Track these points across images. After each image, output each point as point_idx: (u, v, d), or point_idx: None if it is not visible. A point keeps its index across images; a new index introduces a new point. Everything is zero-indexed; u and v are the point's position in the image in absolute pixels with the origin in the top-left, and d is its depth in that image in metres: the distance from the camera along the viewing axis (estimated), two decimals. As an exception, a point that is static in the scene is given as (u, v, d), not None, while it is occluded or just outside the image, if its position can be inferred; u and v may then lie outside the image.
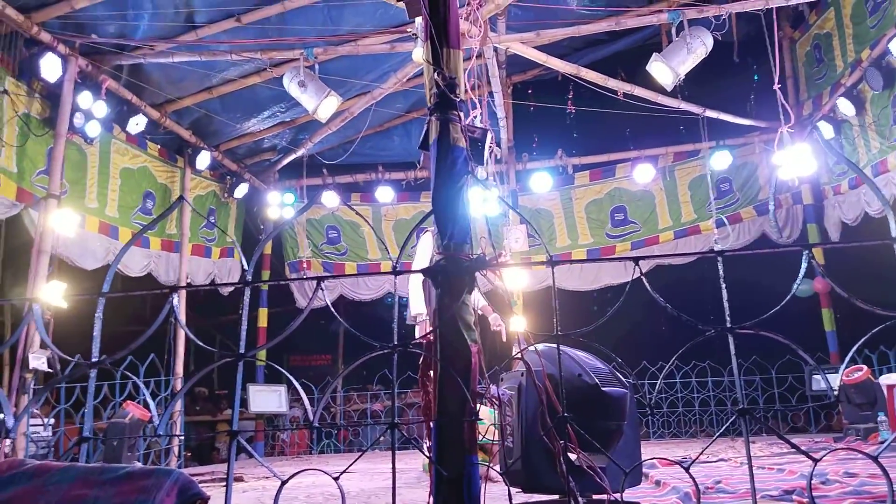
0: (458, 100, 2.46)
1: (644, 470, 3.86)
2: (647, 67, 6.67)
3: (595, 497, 2.36)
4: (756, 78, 8.40)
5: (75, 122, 6.35)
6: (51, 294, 5.11)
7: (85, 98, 6.40)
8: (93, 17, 6.20)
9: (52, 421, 6.24)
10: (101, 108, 6.58)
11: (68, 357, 2.43)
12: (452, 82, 2.44)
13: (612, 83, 7.77)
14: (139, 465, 5.69)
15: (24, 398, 5.60)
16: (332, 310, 2.37)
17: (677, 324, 2.04)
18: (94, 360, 2.15)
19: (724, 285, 2.01)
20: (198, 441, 9.20)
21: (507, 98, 8.84)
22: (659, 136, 9.24)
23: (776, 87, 6.65)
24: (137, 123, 7.25)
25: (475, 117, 5.90)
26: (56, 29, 6.11)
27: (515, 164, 9.57)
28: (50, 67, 6.00)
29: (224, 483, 5.03)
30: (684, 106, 8.22)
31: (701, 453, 2.15)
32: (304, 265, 10.10)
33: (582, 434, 2.14)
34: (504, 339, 5.44)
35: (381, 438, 8.69)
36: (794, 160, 7.77)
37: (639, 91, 7.81)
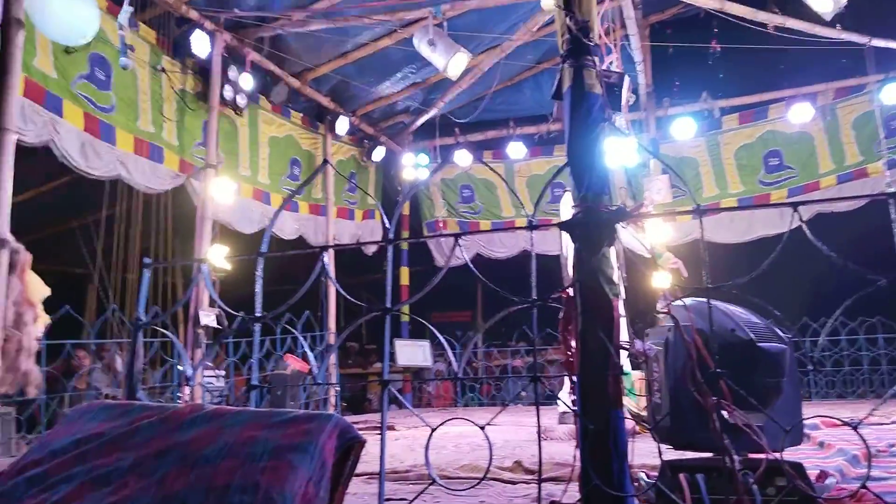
0: (591, 44, 2.36)
1: (806, 431, 3.64)
2: (803, -5, 6.05)
3: (751, 456, 2.25)
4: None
5: (225, 94, 6.75)
6: (215, 256, 5.57)
7: (232, 71, 6.79)
8: (234, -10, 6.53)
9: (223, 372, 6.88)
10: (247, 81, 6.96)
11: (234, 313, 2.65)
12: (585, 26, 2.34)
13: (761, 16, 7.12)
14: (303, 411, 6.16)
15: (197, 352, 6.20)
16: (470, 265, 2.40)
17: (842, 276, 1.88)
18: (257, 314, 2.33)
19: (900, 230, 1.81)
20: (352, 392, 9.79)
21: (644, 40, 8.37)
22: (817, 71, 8.36)
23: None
24: (280, 93, 7.61)
25: (610, 63, 5.65)
26: (202, 6, 6.45)
27: (655, 111, 9.09)
28: (199, 44, 6.34)
29: (376, 431, 5.34)
30: (846, 36, 7.36)
31: (871, 413, 1.98)
32: (441, 224, 10.30)
33: (736, 391, 2.03)
34: (685, 275, 5.31)
35: (524, 393, 8.79)
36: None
37: (792, 23, 7.10)
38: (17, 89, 1.66)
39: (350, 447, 1.74)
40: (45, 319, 2.85)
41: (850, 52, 7.71)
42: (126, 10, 3.95)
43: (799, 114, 8.49)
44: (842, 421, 2.03)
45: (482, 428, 1.98)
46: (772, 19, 7.13)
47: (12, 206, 2.30)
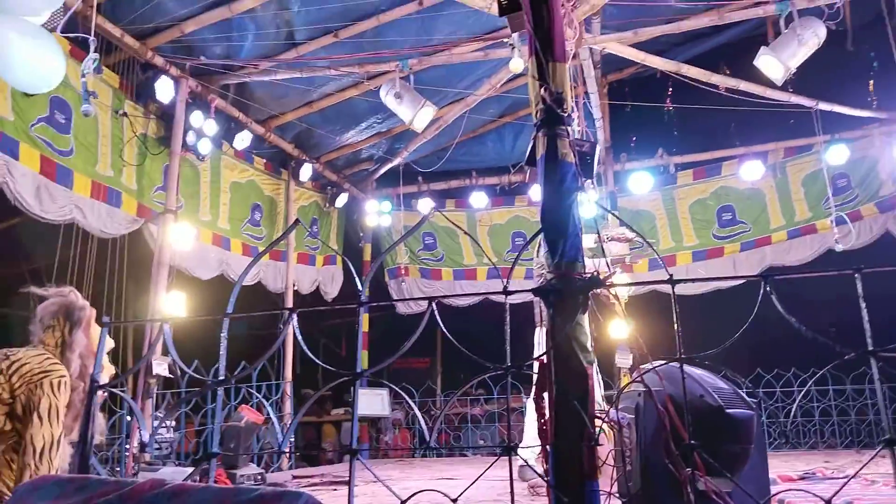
0: (565, 115, 2.41)
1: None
2: (755, 62, 6.33)
3: (720, 524, 2.25)
4: (875, 66, 7.79)
5: (188, 140, 6.70)
6: (176, 310, 5.43)
7: (196, 117, 6.73)
8: (201, 39, 6.54)
9: (172, 423, 6.60)
10: (210, 126, 6.91)
11: (185, 367, 2.58)
12: (560, 97, 2.39)
13: (714, 78, 7.43)
14: (269, 487, 5.97)
15: (148, 402, 5.98)
16: (444, 330, 2.36)
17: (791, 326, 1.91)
18: (220, 378, 2.25)
19: (863, 305, 1.86)
20: (306, 441, 9.56)
21: (603, 98, 8.63)
22: (767, 130, 8.74)
23: (900, 74, 6.15)
24: (244, 139, 7.58)
25: (573, 120, 5.78)
26: (168, 53, 6.45)
27: (613, 165, 9.34)
28: (164, 89, 6.33)
29: (333, 486, 5.18)
30: (795, 99, 7.73)
31: (849, 480, 2.00)
32: (403, 271, 10.27)
33: (707, 459, 2.04)
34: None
35: (482, 441, 8.68)
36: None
37: (744, 85, 7.42)
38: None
39: (321, 526, 1.67)
40: (110, 370, 2.84)
41: (799, 114, 8.06)
42: (91, 58, 3.91)
43: (750, 171, 8.82)
44: (799, 477, 2.04)
45: (454, 501, 1.93)
46: (724, 81, 7.43)
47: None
